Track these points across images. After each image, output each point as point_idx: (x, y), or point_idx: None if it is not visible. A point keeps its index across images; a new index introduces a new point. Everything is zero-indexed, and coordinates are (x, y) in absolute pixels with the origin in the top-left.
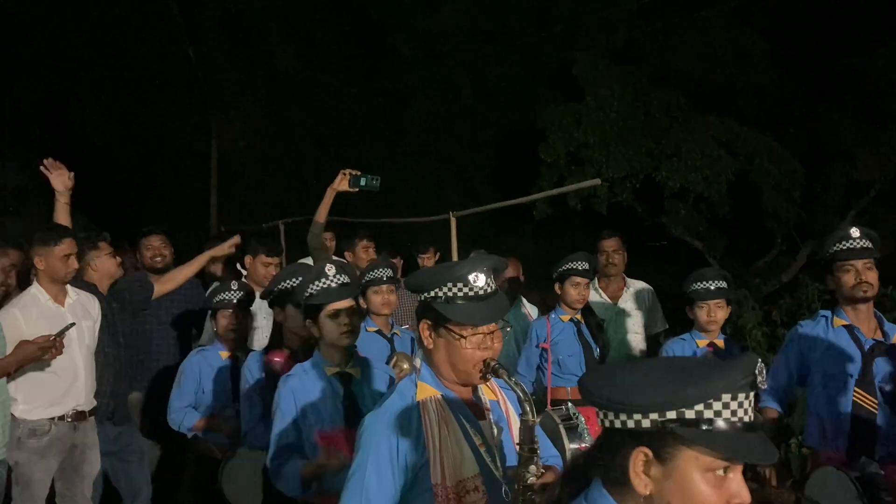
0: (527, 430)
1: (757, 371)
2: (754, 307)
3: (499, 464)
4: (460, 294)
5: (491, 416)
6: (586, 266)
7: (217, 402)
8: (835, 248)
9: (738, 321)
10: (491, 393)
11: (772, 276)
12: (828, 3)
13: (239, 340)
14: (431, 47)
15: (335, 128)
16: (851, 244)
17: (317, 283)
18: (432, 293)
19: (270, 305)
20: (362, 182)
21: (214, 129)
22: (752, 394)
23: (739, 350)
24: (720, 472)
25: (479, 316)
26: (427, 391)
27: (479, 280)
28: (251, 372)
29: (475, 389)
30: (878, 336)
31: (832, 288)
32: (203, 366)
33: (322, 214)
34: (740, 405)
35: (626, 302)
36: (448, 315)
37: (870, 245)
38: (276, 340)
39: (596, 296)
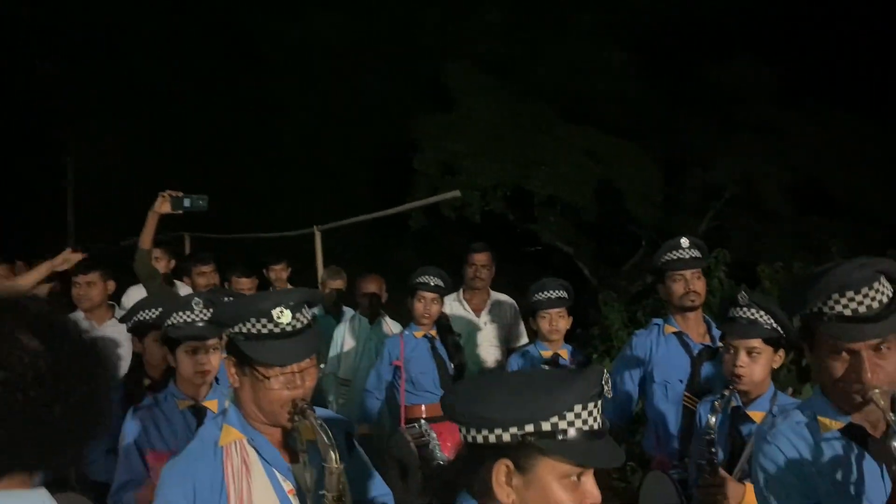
0: (332, 477)
1: (603, 381)
2: (620, 309)
3: None
4: (265, 330)
5: (306, 458)
6: (438, 282)
7: None
8: (665, 258)
9: (604, 322)
10: (309, 432)
11: (637, 277)
12: (686, 18)
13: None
14: (302, 58)
15: (204, 140)
16: (681, 254)
17: (181, 314)
18: (236, 329)
19: (129, 331)
20: (186, 203)
21: (71, 145)
22: (599, 402)
23: (583, 358)
24: (574, 478)
25: (284, 355)
26: (232, 435)
27: (284, 316)
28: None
29: (291, 430)
30: (707, 341)
31: (663, 297)
32: None
33: (146, 241)
34: (590, 414)
35: (489, 315)
36: (250, 353)
37: (698, 255)
38: (136, 372)
39: (459, 307)
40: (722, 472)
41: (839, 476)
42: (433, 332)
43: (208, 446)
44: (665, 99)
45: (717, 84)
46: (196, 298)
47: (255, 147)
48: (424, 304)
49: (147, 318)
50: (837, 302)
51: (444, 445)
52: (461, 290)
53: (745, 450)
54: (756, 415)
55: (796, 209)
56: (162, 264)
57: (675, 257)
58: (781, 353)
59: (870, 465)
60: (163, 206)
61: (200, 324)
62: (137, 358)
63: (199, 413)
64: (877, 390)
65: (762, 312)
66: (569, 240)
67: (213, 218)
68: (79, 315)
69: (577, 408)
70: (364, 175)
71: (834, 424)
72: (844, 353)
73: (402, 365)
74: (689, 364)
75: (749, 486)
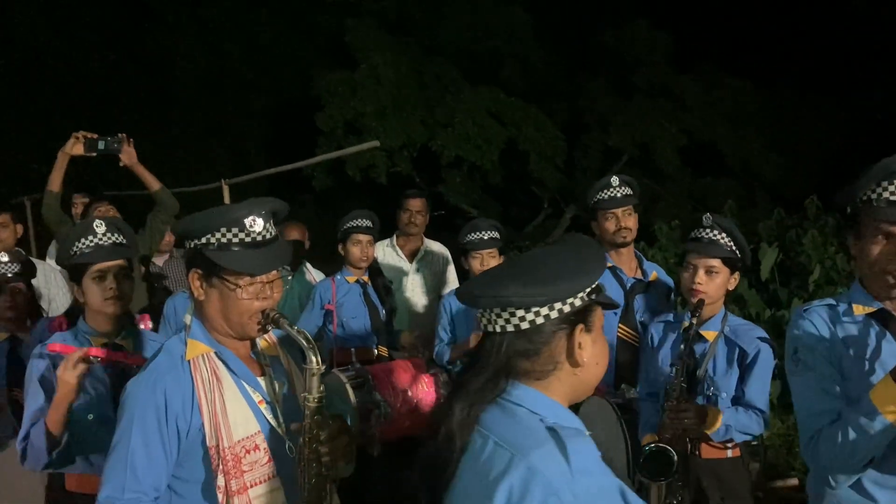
0: (312, 378)
1: None
2: None
3: (281, 420)
4: (235, 240)
5: (271, 372)
6: (368, 223)
7: None
8: (597, 197)
9: None
10: (270, 348)
11: (540, 238)
12: None
13: (19, 320)
14: (196, 11)
15: (90, 96)
16: (612, 192)
17: (83, 240)
18: (203, 239)
19: (72, 278)
20: (100, 146)
21: None
22: None
23: None
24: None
25: (256, 264)
26: (198, 348)
27: (257, 224)
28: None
29: (253, 344)
30: (638, 275)
31: (596, 234)
32: None
33: (55, 182)
34: None
35: (421, 261)
36: (222, 263)
37: (629, 192)
38: (76, 311)
39: (392, 253)
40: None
41: (862, 351)
42: (365, 278)
43: (175, 361)
44: (566, 63)
45: (615, 48)
46: (97, 221)
47: (149, 102)
48: (361, 248)
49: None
50: (886, 189)
51: (379, 387)
52: (394, 237)
53: (701, 368)
54: (709, 334)
55: (691, 171)
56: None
57: (606, 196)
58: (737, 275)
59: (890, 345)
60: (75, 147)
61: (107, 247)
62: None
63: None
64: None
65: (724, 234)
66: (474, 202)
67: (107, 176)
68: None
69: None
70: (264, 133)
71: (865, 310)
72: (882, 237)
73: (334, 309)
74: (622, 297)
75: (713, 410)
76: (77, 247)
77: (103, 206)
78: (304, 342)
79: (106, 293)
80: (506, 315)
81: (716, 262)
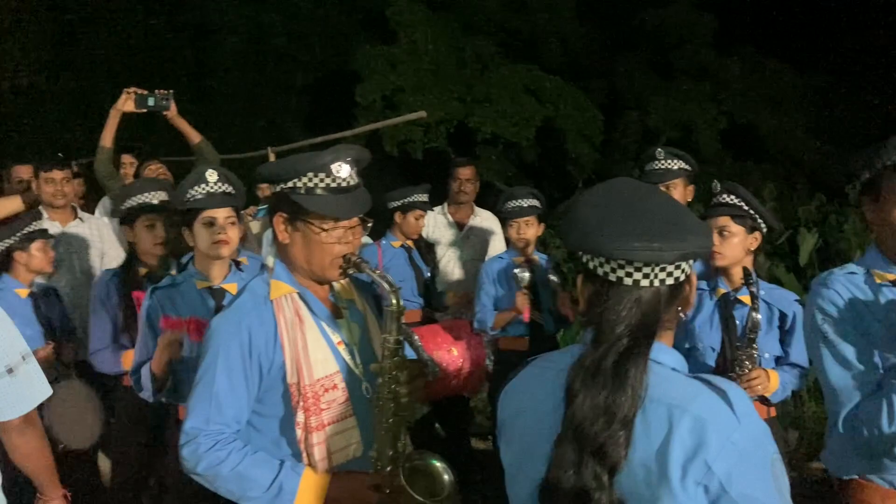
0: (392, 320)
1: None
2: (558, 246)
3: (358, 361)
4: (322, 185)
5: (348, 315)
6: (426, 199)
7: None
8: (647, 168)
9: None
10: (347, 292)
11: None
12: None
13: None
14: None
15: (132, 63)
16: (658, 165)
17: (196, 187)
18: (290, 184)
19: (122, 222)
20: (150, 102)
21: None
22: None
23: (554, 266)
24: None
25: (340, 209)
26: (281, 289)
27: (343, 171)
28: (102, 292)
29: (331, 288)
30: None
31: None
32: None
33: (107, 138)
34: None
35: (472, 229)
36: (308, 207)
37: (681, 166)
38: (130, 262)
39: (443, 221)
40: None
41: (891, 320)
42: (409, 242)
43: (258, 300)
44: (607, 43)
45: (657, 29)
46: (209, 171)
47: (189, 72)
48: (417, 221)
49: (134, 204)
50: None
51: (426, 346)
52: (445, 205)
53: (743, 330)
54: (745, 299)
55: (730, 154)
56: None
57: (655, 167)
58: (757, 235)
59: None
60: (126, 103)
61: (219, 195)
62: (132, 248)
63: (216, 295)
64: None
65: (732, 197)
66: (508, 180)
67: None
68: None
69: None
70: (302, 107)
71: (887, 276)
72: None
73: None
74: None
75: (773, 372)
76: (190, 193)
77: (154, 165)
78: (387, 285)
79: (215, 237)
80: (669, 269)
81: (725, 222)
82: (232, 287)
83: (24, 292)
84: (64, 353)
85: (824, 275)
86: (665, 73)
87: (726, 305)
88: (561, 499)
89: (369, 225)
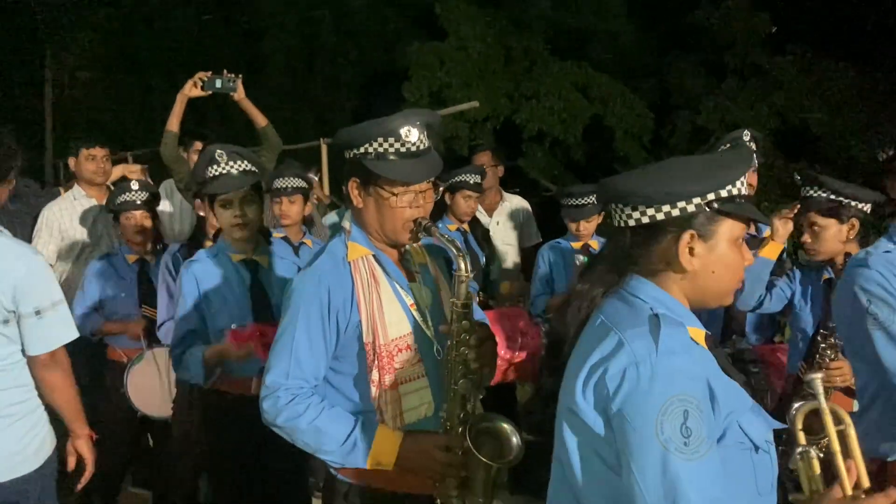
0: (460, 285)
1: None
2: None
3: (430, 323)
4: (391, 150)
5: (420, 278)
6: (478, 179)
7: (123, 307)
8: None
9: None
10: (420, 256)
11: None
12: None
13: (146, 243)
14: None
15: (185, 59)
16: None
17: (210, 168)
18: (361, 149)
19: (194, 197)
20: (217, 84)
21: (49, 59)
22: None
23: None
24: (740, 241)
25: (410, 172)
26: (358, 251)
27: (412, 135)
28: (170, 266)
29: (405, 252)
30: (752, 230)
31: None
32: (107, 271)
33: (173, 123)
34: (744, 182)
35: (502, 215)
36: (378, 172)
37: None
38: (196, 235)
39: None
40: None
41: None
42: (465, 227)
43: (337, 261)
44: (657, 41)
45: (706, 27)
46: (219, 150)
47: (240, 67)
48: (469, 202)
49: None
50: None
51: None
52: None
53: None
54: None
55: (784, 154)
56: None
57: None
58: (854, 222)
59: None
60: (192, 89)
61: (236, 175)
62: (201, 221)
63: (251, 266)
64: None
65: (815, 188)
66: (553, 179)
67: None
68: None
69: (743, 176)
70: (351, 104)
71: None
72: None
73: None
74: None
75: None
76: (207, 173)
77: (199, 143)
78: (455, 250)
79: (233, 220)
80: (628, 210)
81: (814, 217)
82: (264, 259)
83: (132, 258)
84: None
85: (860, 255)
86: (717, 73)
87: (828, 293)
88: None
89: (441, 189)
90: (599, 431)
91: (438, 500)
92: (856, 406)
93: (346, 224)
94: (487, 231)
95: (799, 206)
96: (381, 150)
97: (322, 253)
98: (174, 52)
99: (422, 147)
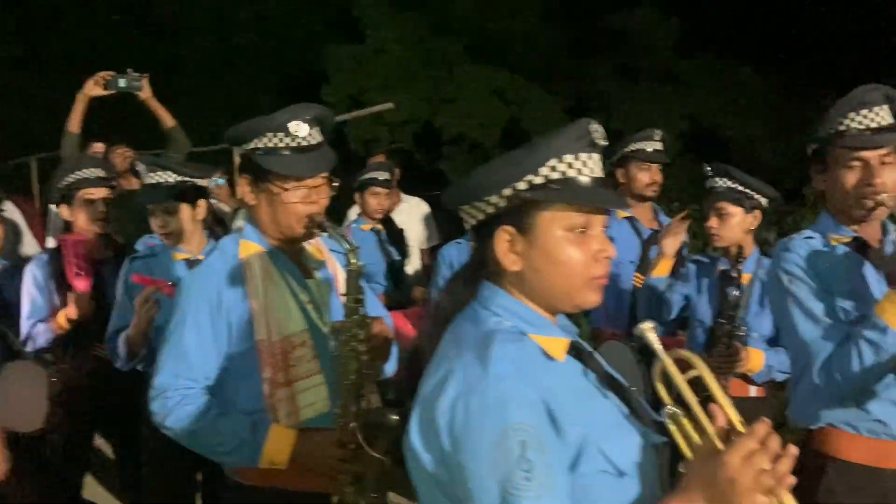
0: (353, 278)
1: (592, 129)
2: None
3: (326, 319)
4: (281, 145)
5: (318, 275)
6: (386, 176)
7: None
8: (636, 147)
9: None
10: (318, 252)
11: None
12: None
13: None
14: None
15: (96, 60)
16: (654, 146)
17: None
18: (251, 145)
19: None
20: (122, 83)
21: None
22: (594, 153)
23: None
24: (580, 232)
25: (302, 167)
26: (251, 248)
27: (301, 129)
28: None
29: (302, 248)
30: (655, 226)
31: (622, 182)
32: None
33: (74, 124)
34: (584, 164)
35: (401, 215)
36: (268, 167)
37: (662, 150)
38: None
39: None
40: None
41: (847, 277)
42: (380, 226)
43: (228, 258)
44: (573, 45)
45: (620, 31)
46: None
47: (156, 70)
48: (378, 200)
49: None
50: (855, 119)
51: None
52: None
53: (738, 310)
54: (744, 277)
55: (691, 156)
56: None
57: (648, 148)
58: (757, 214)
59: (870, 270)
60: (93, 88)
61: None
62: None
63: (193, 266)
64: (885, 194)
65: (725, 180)
66: None
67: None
68: None
69: (568, 157)
70: (270, 106)
71: (841, 239)
72: (856, 163)
73: None
74: (639, 247)
75: (756, 351)
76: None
77: (120, 149)
78: (347, 245)
79: (160, 229)
80: (464, 211)
81: (722, 204)
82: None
83: None
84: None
85: (784, 241)
86: (630, 77)
87: (722, 283)
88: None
89: (335, 184)
90: (436, 474)
91: (334, 497)
92: (753, 391)
93: (240, 222)
94: (402, 231)
95: (688, 214)
96: (270, 145)
97: (213, 251)
98: (85, 53)
99: (312, 142)
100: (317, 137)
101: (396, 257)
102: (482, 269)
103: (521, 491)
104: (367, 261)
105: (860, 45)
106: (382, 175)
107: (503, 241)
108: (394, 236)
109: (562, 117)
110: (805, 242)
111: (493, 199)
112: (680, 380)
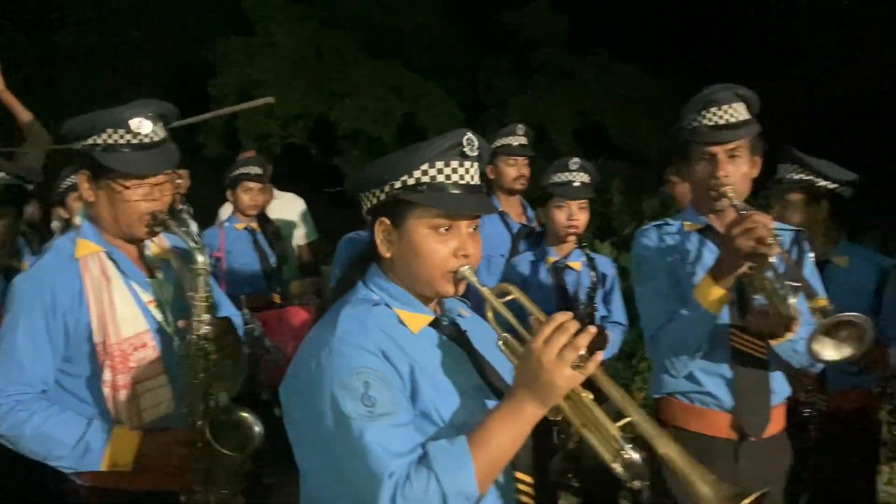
0: (198, 278)
1: (466, 141)
2: None
3: (170, 319)
4: (122, 141)
5: (161, 275)
6: (259, 171)
7: None
8: (501, 143)
9: None
10: (162, 252)
11: None
12: None
13: None
14: None
15: None
16: (518, 141)
17: None
18: (90, 141)
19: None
20: None
21: None
22: (467, 162)
23: None
24: (444, 231)
25: (144, 165)
26: (88, 248)
27: (144, 126)
28: None
29: (144, 247)
30: (524, 220)
31: (491, 177)
32: None
33: (23, 115)
34: (454, 170)
35: (275, 213)
36: (109, 164)
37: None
38: None
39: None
40: None
41: (690, 260)
42: (254, 225)
43: (63, 259)
44: (468, 41)
45: (515, 29)
46: None
47: (35, 65)
48: (251, 195)
49: None
50: (705, 116)
51: (268, 333)
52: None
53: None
54: (574, 265)
55: (583, 151)
56: None
57: (514, 143)
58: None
59: (712, 254)
60: None
61: None
62: None
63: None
64: (728, 186)
65: (582, 173)
66: None
67: None
68: None
69: (439, 163)
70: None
71: (695, 226)
72: (706, 157)
73: (223, 256)
74: (510, 241)
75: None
76: None
77: None
78: (192, 242)
79: None
80: (364, 203)
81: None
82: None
83: None
84: None
85: (642, 227)
86: (523, 73)
87: (557, 273)
88: None
89: (179, 181)
90: (307, 432)
91: (183, 496)
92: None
93: (78, 220)
94: (279, 229)
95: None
96: (110, 141)
97: (47, 251)
98: None
99: (156, 138)
100: (160, 134)
101: (272, 256)
102: (373, 253)
103: (364, 419)
104: (242, 260)
105: (744, 45)
106: (255, 170)
107: (380, 231)
108: (269, 234)
109: (457, 113)
110: (658, 229)
111: (377, 192)
112: (497, 303)
